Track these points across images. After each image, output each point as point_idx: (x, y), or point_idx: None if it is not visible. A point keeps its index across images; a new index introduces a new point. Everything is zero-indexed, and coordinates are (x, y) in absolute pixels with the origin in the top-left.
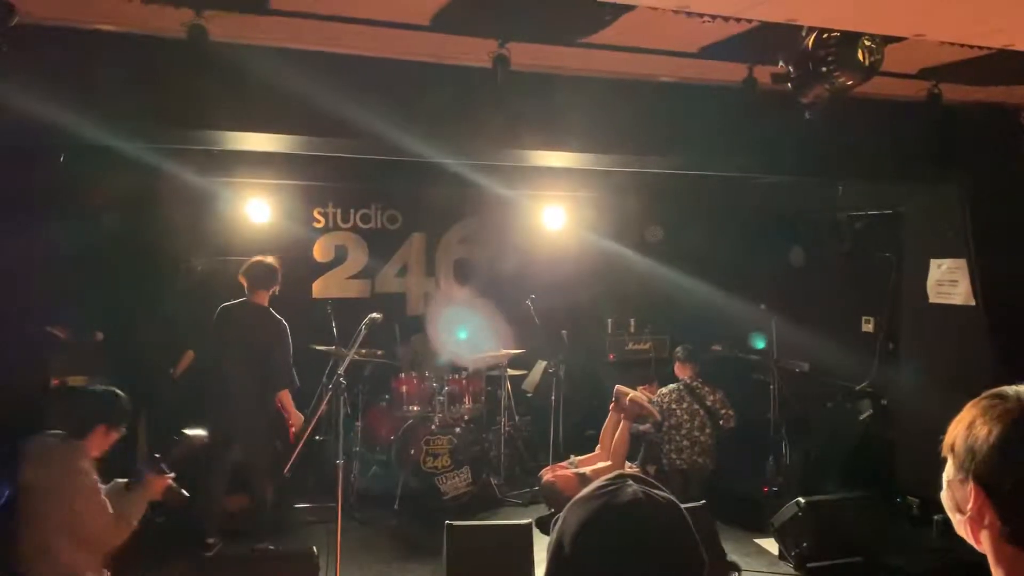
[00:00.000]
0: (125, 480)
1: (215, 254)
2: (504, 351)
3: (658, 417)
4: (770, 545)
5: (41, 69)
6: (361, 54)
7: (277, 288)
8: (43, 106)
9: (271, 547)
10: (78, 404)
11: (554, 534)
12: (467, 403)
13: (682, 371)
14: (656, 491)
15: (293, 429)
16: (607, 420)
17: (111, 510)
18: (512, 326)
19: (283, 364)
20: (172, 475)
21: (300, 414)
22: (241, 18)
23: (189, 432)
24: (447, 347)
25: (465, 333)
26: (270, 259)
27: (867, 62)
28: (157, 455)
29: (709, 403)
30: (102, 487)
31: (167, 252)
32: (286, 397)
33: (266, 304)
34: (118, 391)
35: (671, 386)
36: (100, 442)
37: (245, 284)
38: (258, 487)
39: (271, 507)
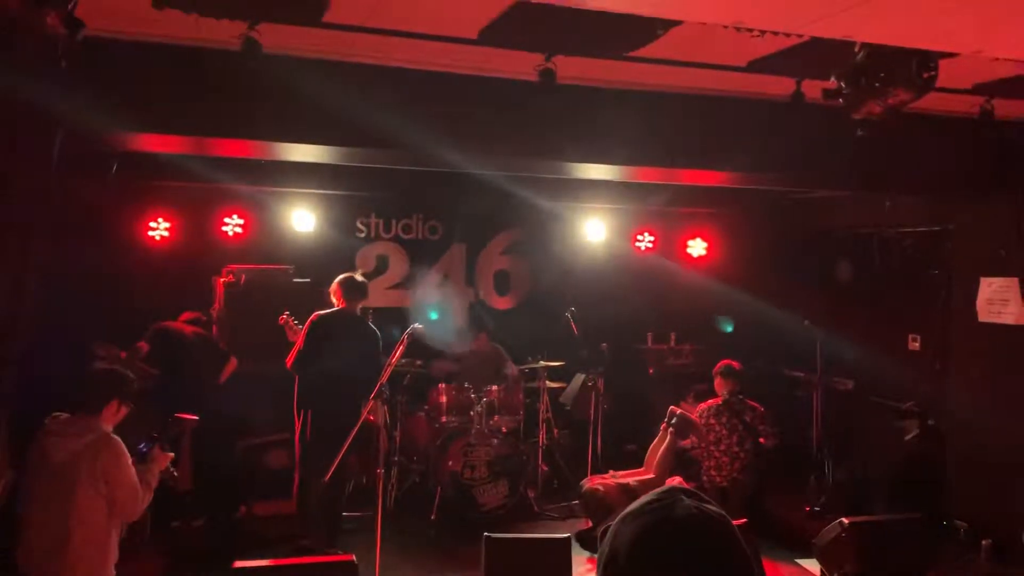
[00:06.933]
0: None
1: (259, 263)
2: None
3: (702, 430)
4: (812, 566)
5: (95, 81)
6: (407, 67)
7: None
8: (97, 116)
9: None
10: (91, 382)
11: (606, 547)
12: (505, 415)
13: (722, 387)
14: (708, 506)
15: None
16: (657, 438)
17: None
18: (552, 338)
19: (378, 373)
20: (172, 455)
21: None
22: (294, 31)
23: (182, 416)
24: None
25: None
26: (360, 275)
27: (922, 78)
28: (155, 435)
29: (747, 419)
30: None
31: (211, 262)
32: (374, 406)
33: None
34: (127, 370)
35: (710, 402)
36: (112, 417)
37: (342, 296)
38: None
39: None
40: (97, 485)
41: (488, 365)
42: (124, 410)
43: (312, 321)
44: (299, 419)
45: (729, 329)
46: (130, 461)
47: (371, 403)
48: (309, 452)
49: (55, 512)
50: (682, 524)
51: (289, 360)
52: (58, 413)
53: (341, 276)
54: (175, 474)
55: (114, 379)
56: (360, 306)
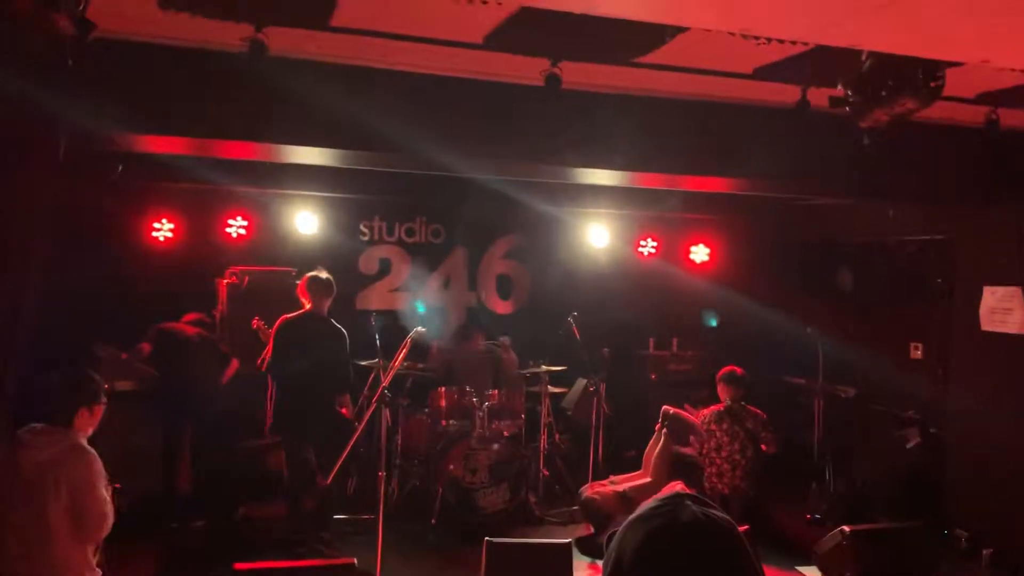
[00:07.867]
0: None
1: (262, 265)
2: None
3: (700, 430)
4: (813, 574)
5: (101, 82)
6: (412, 71)
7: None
8: (102, 118)
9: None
10: (53, 393)
11: (611, 552)
12: (506, 419)
13: (724, 393)
14: (714, 511)
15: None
16: (652, 440)
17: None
18: (553, 342)
19: (347, 369)
20: None
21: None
22: (300, 34)
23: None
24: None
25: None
26: (324, 272)
27: (928, 87)
28: None
29: (749, 426)
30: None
31: (214, 263)
32: (347, 401)
33: (326, 314)
34: (88, 370)
35: (712, 407)
36: (86, 423)
37: (308, 296)
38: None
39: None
40: (67, 497)
41: (485, 365)
42: (98, 410)
43: (278, 327)
44: (272, 420)
45: (713, 323)
46: (103, 472)
47: (347, 399)
48: (288, 452)
49: (34, 524)
50: (687, 529)
51: (263, 365)
52: (34, 424)
53: (306, 276)
54: (116, 486)
55: (74, 386)
56: (328, 303)
